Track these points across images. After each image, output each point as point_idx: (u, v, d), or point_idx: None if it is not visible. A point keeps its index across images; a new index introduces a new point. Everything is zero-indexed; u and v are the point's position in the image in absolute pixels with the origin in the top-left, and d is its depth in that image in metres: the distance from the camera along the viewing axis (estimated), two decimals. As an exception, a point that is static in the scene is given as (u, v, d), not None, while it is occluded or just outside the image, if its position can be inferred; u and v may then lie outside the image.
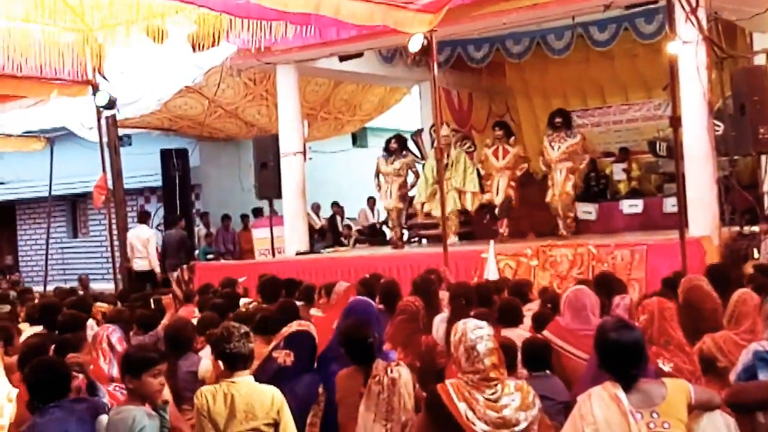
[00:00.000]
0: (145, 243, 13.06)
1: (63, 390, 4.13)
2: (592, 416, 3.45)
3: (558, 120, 11.63)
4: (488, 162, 12.00)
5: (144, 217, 14.02)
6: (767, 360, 4.30)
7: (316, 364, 5.11)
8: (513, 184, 11.92)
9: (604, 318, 4.71)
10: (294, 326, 5.28)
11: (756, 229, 9.86)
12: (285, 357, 5.06)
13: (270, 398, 4.15)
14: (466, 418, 3.59)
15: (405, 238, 12.52)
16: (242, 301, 7.93)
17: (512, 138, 12.23)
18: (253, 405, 4.09)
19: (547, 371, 4.77)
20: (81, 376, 4.54)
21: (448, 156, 11.81)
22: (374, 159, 13.10)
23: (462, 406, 3.60)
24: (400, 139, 12.72)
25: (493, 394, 3.67)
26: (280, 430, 4.13)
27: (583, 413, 3.48)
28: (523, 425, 3.64)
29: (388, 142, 12.65)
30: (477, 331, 3.77)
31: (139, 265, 12.97)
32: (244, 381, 4.17)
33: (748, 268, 7.77)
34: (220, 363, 4.25)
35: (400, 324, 5.06)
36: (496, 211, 11.93)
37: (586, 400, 3.52)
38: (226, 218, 16.30)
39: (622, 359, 3.52)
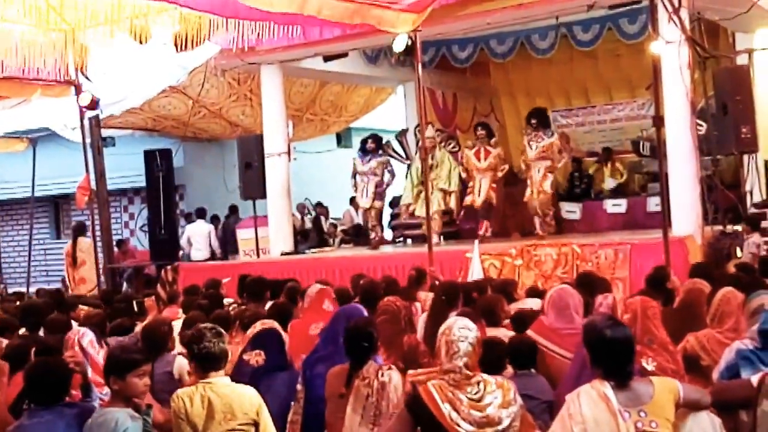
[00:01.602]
0: (206, 235, 14.61)
1: (61, 392, 4.11)
2: (580, 415, 3.45)
3: (533, 120, 11.68)
4: (470, 163, 11.98)
5: (201, 213, 15.14)
6: (750, 358, 4.32)
7: (302, 366, 5.09)
8: (494, 185, 11.92)
9: (592, 316, 4.73)
10: (258, 326, 5.27)
11: (738, 228, 9.92)
12: (256, 357, 5.05)
13: (248, 398, 4.12)
14: (450, 419, 3.58)
15: (384, 238, 12.48)
16: (226, 301, 7.92)
17: (493, 139, 12.22)
18: (232, 405, 4.05)
19: (532, 370, 4.78)
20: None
21: (433, 157, 11.80)
22: (357, 158, 13.10)
23: (446, 408, 3.59)
24: (376, 138, 12.68)
25: (476, 393, 3.66)
26: (260, 430, 4.10)
27: (572, 412, 3.49)
28: (505, 423, 3.64)
29: (365, 141, 12.59)
30: (463, 331, 3.77)
31: (196, 255, 14.40)
32: (221, 381, 4.13)
33: (731, 267, 7.81)
34: (194, 364, 4.22)
35: (382, 324, 5.06)
36: (478, 213, 11.94)
37: (575, 398, 3.52)
38: (213, 219, 16.22)
39: (617, 356, 3.54)
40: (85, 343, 5.20)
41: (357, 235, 14.90)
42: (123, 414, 3.93)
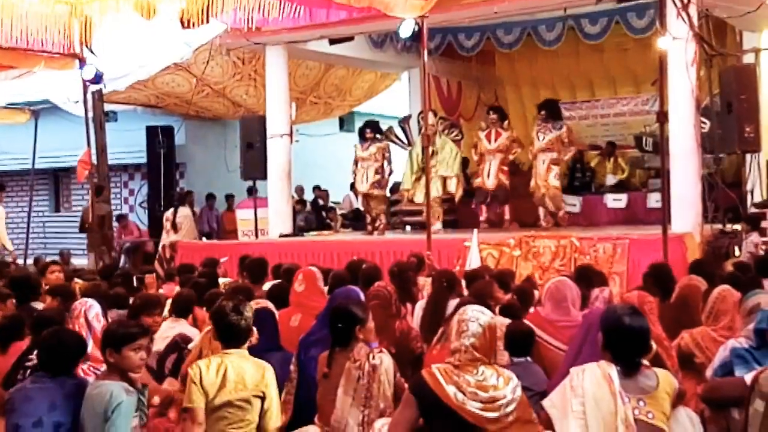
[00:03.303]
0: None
1: (70, 364, 4.17)
2: (582, 389, 3.54)
3: (543, 111, 11.68)
4: (481, 144, 12.02)
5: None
6: (744, 357, 4.34)
7: (297, 347, 5.10)
8: (505, 168, 11.97)
9: (612, 304, 4.76)
10: (252, 305, 5.28)
11: (738, 227, 9.92)
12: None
13: (261, 371, 4.21)
14: (456, 400, 3.60)
15: (380, 224, 12.42)
16: (221, 280, 7.93)
17: (506, 122, 12.20)
18: (244, 376, 4.14)
19: (528, 358, 4.79)
20: None
21: (433, 144, 11.74)
22: (359, 144, 13.08)
23: (451, 389, 3.61)
24: (374, 125, 12.59)
25: (481, 375, 3.68)
26: (265, 404, 4.18)
27: (574, 385, 3.57)
28: (511, 406, 3.66)
29: (363, 130, 12.49)
30: (476, 313, 3.80)
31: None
32: (238, 352, 4.24)
33: (729, 266, 7.81)
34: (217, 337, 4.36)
35: (374, 310, 5.07)
36: (489, 197, 11.98)
37: (579, 373, 3.60)
38: (210, 197, 16.24)
39: (630, 344, 3.61)
40: (91, 316, 5.20)
41: (356, 219, 14.90)
42: (118, 386, 3.95)
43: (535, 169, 11.57)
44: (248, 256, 8.75)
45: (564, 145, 11.58)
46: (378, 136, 12.45)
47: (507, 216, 12.18)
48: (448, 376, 3.66)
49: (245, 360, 4.24)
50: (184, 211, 14.47)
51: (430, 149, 11.28)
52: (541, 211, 11.70)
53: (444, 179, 12.00)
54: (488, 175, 11.87)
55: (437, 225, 11.64)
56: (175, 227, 14.15)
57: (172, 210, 14.44)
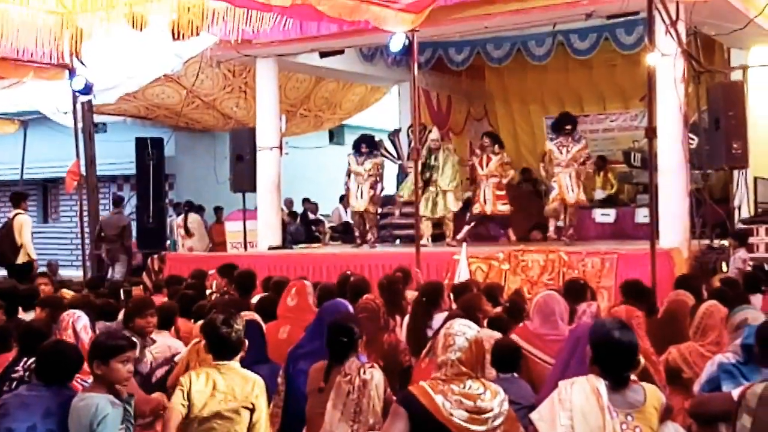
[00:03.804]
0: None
1: (67, 375, 4.16)
2: (570, 403, 3.54)
3: (568, 126, 11.33)
4: (475, 171, 12.03)
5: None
6: (732, 372, 4.35)
7: (286, 360, 5.09)
8: (500, 193, 11.81)
9: (601, 318, 4.76)
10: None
11: (725, 243, 9.97)
12: None
13: (252, 384, 4.23)
14: (444, 408, 3.59)
15: (371, 238, 12.39)
16: (208, 292, 7.92)
17: (497, 146, 12.04)
18: (234, 388, 4.17)
19: (515, 374, 4.79)
20: None
21: (436, 158, 11.88)
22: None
23: (439, 399, 3.60)
24: (369, 140, 12.53)
25: (467, 387, 3.67)
26: (254, 417, 4.20)
27: (563, 398, 3.58)
28: (499, 420, 3.65)
29: (359, 144, 12.40)
30: (463, 327, 3.78)
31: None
32: (229, 364, 4.27)
33: (716, 282, 7.85)
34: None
35: (362, 323, 5.06)
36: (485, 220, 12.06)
37: (567, 386, 3.60)
38: (199, 209, 16.20)
39: (618, 359, 3.61)
40: (79, 328, 5.19)
41: (345, 232, 14.89)
42: (104, 399, 3.93)
43: (558, 183, 11.18)
44: (230, 265, 8.67)
45: (584, 157, 11.32)
46: (374, 151, 12.45)
47: (513, 238, 11.99)
48: (435, 387, 3.66)
49: (235, 372, 4.26)
50: (194, 217, 14.96)
51: (433, 163, 11.71)
52: (552, 223, 11.49)
53: (445, 194, 11.92)
54: (485, 201, 11.80)
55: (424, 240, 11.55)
56: (188, 232, 14.68)
57: (182, 216, 14.82)
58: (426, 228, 11.85)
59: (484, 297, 6.42)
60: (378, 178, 12.29)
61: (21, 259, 11.41)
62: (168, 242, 14.98)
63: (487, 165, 11.82)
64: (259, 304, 6.52)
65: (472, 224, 11.98)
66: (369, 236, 12.36)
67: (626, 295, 6.61)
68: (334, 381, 4.47)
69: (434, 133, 12.21)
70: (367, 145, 12.34)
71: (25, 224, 11.65)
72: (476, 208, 11.89)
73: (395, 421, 3.71)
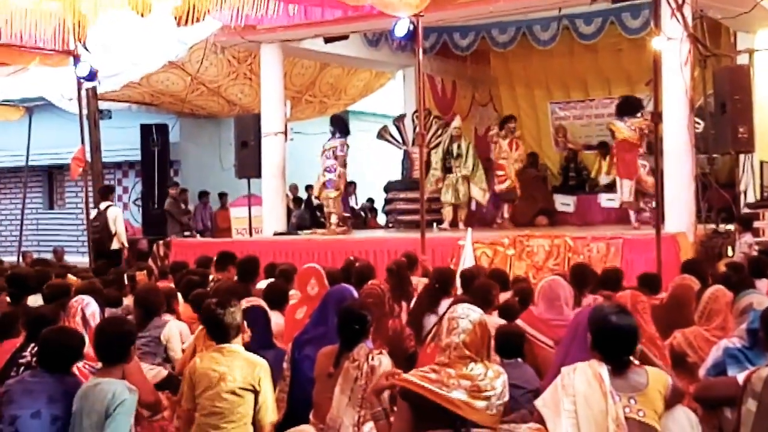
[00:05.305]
0: None
1: (69, 362, 4.19)
2: (572, 388, 3.55)
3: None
4: (503, 152, 12.49)
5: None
6: (737, 357, 4.35)
7: (291, 346, 5.10)
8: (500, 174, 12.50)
9: (600, 303, 4.76)
10: (244, 303, 5.29)
11: (731, 227, 9.95)
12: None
13: (253, 367, 4.30)
14: (439, 391, 3.62)
15: (330, 225, 12.37)
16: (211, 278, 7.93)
17: (518, 132, 12.89)
18: (234, 369, 4.24)
19: (519, 359, 4.80)
20: None
21: (459, 147, 12.36)
22: (355, 143, 13.06)
23: (433, 386, 3.63)
24: (335, 119, 12.70)
25: (469, 370, 3.69)
26: (259, 399, 4.26)
27: (565, 384, 3.59)
28: (501, 400, 3.67)
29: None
30: (467, 310, 3.81)
31: None
32: (230, 347, 4.34)
33: (721, 266, 7.84)
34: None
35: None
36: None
37: (570, 372, 3.61)
38: (203, 195, 16.21)
39: (618, 343, 3.61)
40: (88, 314, 5.20)
41: (350, 218, 14.88)
42: (120, 385, 3.98)
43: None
44: (226, 255, 8.55)
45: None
46: (338, 133, 12.25)
47: (506, 215, 12.61)
48: (424, 377, 3.70)
49: (238, 354, 4.32)
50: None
51: (456, 151, 12.32)
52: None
53: (467, 180, 12.35)
54: (505, 180, 12.46)
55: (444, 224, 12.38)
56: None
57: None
58: (447, 213, 12.40)
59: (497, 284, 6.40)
60: (337, 162, 12.04)
61: (114, 246, 12.02)
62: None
63: (516, 149, 12.51)
64: (265, 290, 6.52)
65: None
66: (329, 223, 12.34)
67: (642, 286, 6.57)
68: (343, 366, 4.48)
69: (456, 121, 12.64)
70: (331, 124, 12.43)
71: (118, 215, 12.26)
72: (505, 185, 12.44)
73: (402, 414, 3.77)
